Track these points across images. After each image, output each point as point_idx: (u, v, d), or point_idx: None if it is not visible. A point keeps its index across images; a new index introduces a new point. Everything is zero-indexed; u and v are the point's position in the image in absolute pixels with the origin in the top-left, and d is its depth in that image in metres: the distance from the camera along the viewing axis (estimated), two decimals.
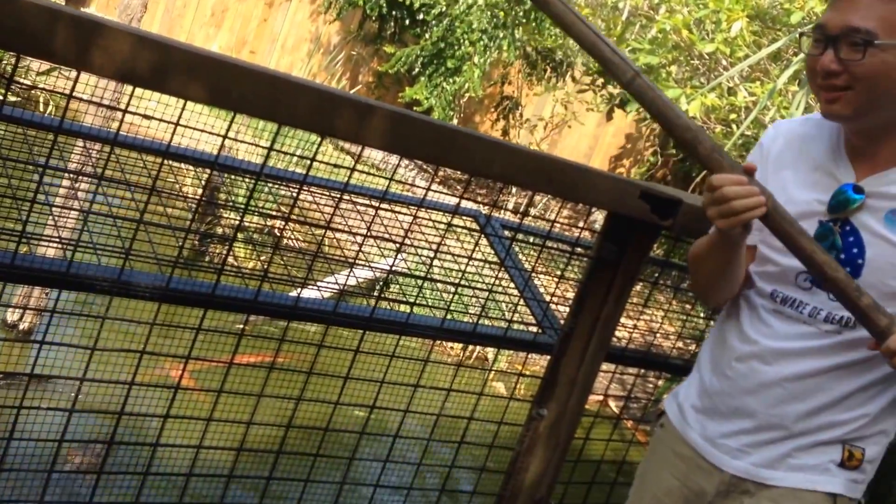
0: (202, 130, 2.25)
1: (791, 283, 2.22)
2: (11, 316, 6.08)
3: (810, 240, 2.04)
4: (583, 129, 13.29)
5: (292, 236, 5.38)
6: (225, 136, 2.18)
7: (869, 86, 2.02)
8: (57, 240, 2.42)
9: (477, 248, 2.88)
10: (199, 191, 2.64)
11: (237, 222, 2.59)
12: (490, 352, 7.77)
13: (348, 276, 2.90)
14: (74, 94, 2.01)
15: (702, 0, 7.38)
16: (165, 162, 2.46)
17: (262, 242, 6.05)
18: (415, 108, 12.18)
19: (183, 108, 2.09)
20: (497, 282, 2.95)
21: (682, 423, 2.40)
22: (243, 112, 2.02)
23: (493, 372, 5.80)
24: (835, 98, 2.06)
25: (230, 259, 2.53)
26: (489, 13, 11.47)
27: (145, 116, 2.14)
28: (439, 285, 3.38)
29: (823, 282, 2.06)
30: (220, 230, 6.33)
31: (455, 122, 12.19)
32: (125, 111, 2.09)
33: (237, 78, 1.96)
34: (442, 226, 3.06)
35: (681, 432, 2.40)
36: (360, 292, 3.89)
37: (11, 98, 7.45)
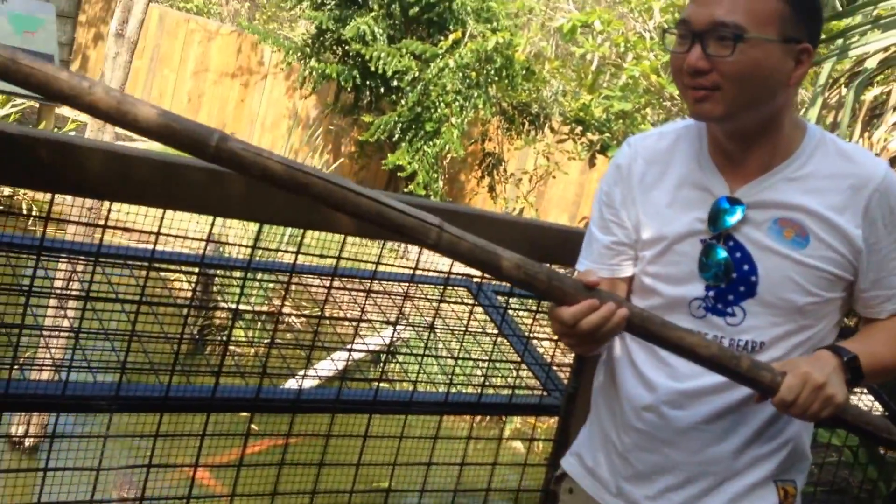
0: (184, 237, 2.25)
1: (684, 314, 2.01)
2: (15, 429, 6.04)
3: (674, 327, 1.85)
4: (567, 177, 13.35)
5: (289, 320, 5.37)
6: (208, 241, 2.17)
7: (740, 84, 1.86)
8: (49, 360, 2.40)
9: (472, 317, 2.86)
10: (189, 292, 2.64)
11: (229, 322, 2.59)
12: None
13: (347, 360, 2.88)
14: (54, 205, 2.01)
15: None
16: (153, 266, 2.45)
17: (261, 328, 6.03)
18: (399, 174, 12.24)
19: (163, 216, 2.09)
20: (496, 348, 2.93)
21: (595, 488, 2.17)
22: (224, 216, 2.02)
23: (507, 433, 5.78)
24: (704, 97, 1.88)
25: (230, 346, 2.52)
26: (461, 74, 11.57)
27: (125, 230, 2.14)
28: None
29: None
30: (217, 321, 6.33)
31: (440, 183, 12.23)
32: (105, 227, 2.09)
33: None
34: (434, 297, 3.05)
35: (597, 500, 2.16)
36: (362, 370, 3.88)
37: None
